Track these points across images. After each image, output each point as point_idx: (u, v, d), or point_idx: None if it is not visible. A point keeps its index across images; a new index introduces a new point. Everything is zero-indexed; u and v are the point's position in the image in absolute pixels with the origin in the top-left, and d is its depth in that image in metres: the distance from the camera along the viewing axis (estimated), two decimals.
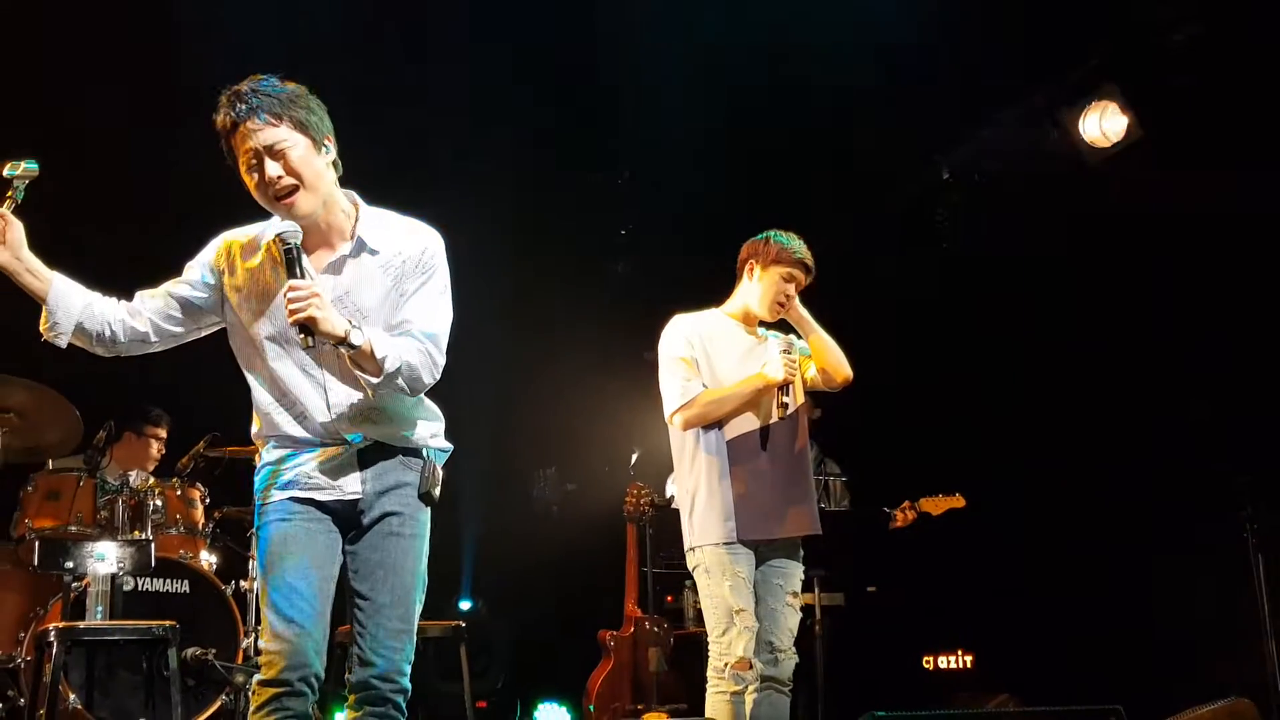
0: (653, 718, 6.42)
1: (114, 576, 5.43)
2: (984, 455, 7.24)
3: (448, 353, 3.20)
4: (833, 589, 6.40)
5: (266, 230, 3.17)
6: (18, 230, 3.00)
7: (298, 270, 2.99)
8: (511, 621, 8.74)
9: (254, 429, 3.27)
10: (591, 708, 6.85)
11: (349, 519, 3.16)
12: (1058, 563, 7.17)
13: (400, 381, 3.06)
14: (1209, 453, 6.20)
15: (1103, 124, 6.36)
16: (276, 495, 3.16)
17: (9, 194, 3.02)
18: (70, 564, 5.28)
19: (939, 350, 7.59)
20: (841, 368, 4.58)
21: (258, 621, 5.66)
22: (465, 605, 8.68)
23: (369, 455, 3.17)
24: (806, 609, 4.98)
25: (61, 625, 4.77)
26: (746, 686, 4.20)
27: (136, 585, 5.60)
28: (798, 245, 4.53)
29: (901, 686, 7.49)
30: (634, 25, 6.80)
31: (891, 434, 7.64)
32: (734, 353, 4.52)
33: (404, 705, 3.11)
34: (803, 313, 4.59)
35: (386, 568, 3.12)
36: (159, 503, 5.91)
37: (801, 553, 4.50)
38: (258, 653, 3.59)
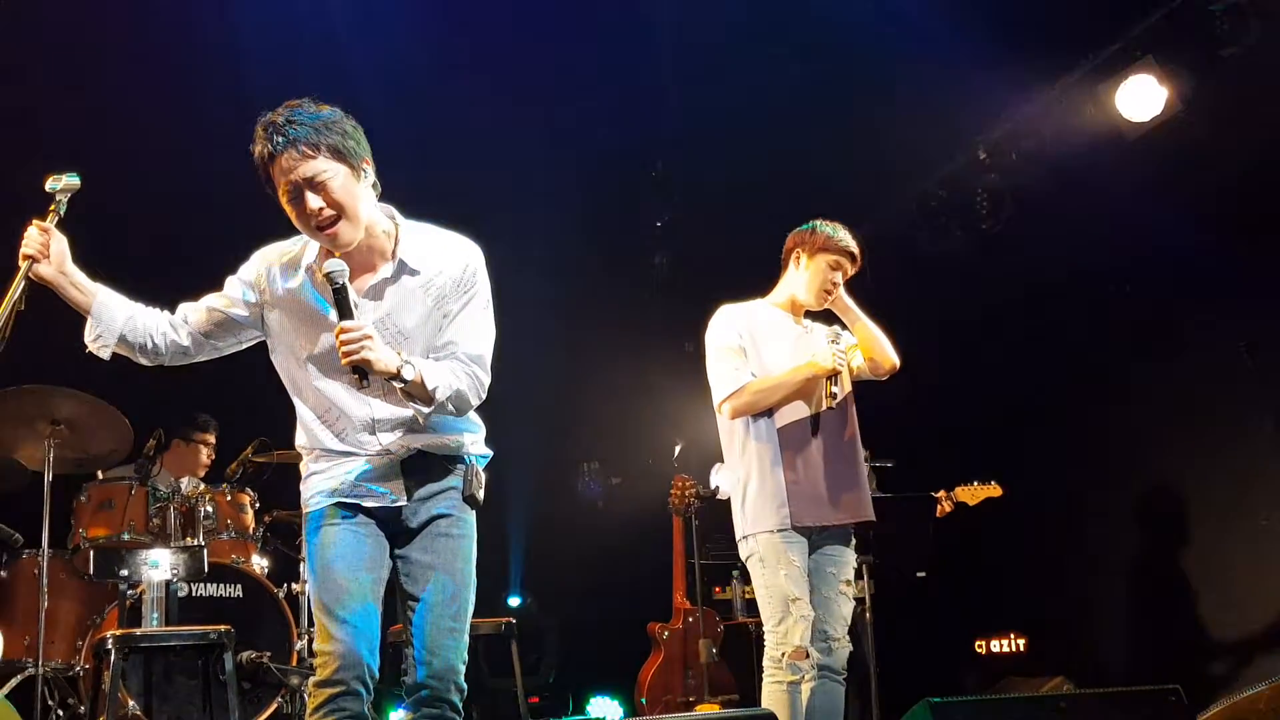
0: (705, 709, 6.43)
1: (168, 583, 5.48)
2: (1032, 435, 7.19)
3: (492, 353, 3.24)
4: (878, 576, 6.38)
5: (307, 251, 3.18)
6: (62, 244, 3.04)
7: (349, 310, 3.00)
8: (561, 616, 8.76)
9: (299, 440, 3.29)
10: (643, 700, 6.87)
11: (395, 525, 3.19)
12: (1109, 543, 7.11)
13: (450, 407, 3.12)
14: (1266, 422, 6.13)
15: (1140, 98, 6.27)
16: (324, 502, 3.18)
17: (51, 208, 3.05)
18: (125, 572, 5.32)
19: (979, 332, 7.54)
20: (889, 356, 4.57)
21: (311, 624, 5.71)
22: (514, 601, 8.71)
23: (412, 463, 3.20)
24: (858, 597, 4.97)
25: (119, 633, 4.81)
26: (803, 675, 4.19)
27: (190, 591, 5.64)
28: (844, 234, 4.53)
29: (954, 671, 7.46)
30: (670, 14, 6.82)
31: (931, 418, 7.59)
32: (782, 342, 4.51)
33: (460, 704, 3.13)
34: (848, 302, 4.58)
35: (437, 568, 3.15)
36: (210, 509, 5.96)
37: (854, 540, 4.49)
38: (312, 655, 3.64)
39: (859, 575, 5.01)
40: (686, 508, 7.04)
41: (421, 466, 3.20)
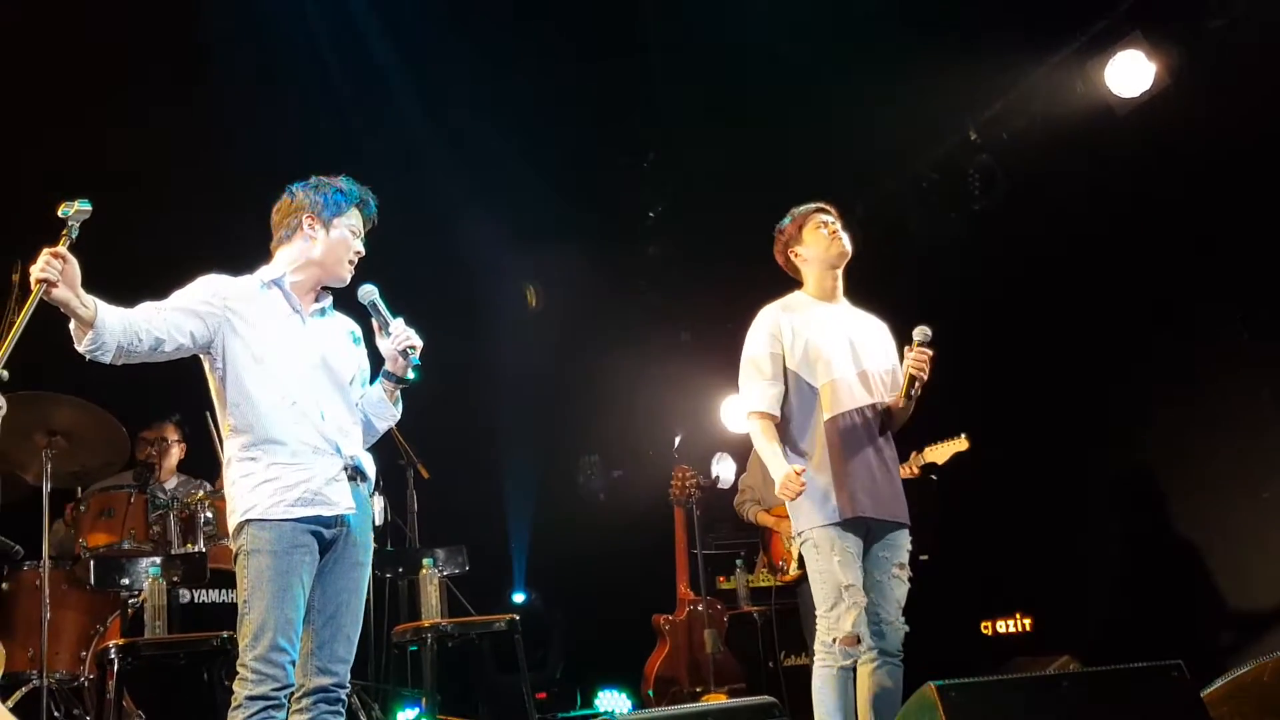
0: (712, 699, 6.43)
1: (170, 590, 5.48)
2: (1034, 414, 7.17)
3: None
4: None
5: (258, 279, 3.69)
6: (76, 268, 3.18)
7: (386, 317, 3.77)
8: (566, 611, 8.76)
9: (239, 442, 3.55)
10: (650, 692, 6.86)
11: (334, 537, 3.55)
12: (1112, 520, 7.10)
13: (393, 425, 3.94)
14: (1263, 393, 6.12)
15: (1129, 74, 6.25)
16: (286, 513, 3.47)
17: (64, 233, 3.19)
18: (126, 580, 5.34)
19: (974, 313, 7.50)
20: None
21: None
22: (519, 598, 8.70)
23: (353, 476, 3.64)
24: None
25: (122, 642, 4.82)
26: (854, 660, 4.21)
27: (192, 598, 5.66)
28: (800, 207, 4.66)
29: (960, 653, 7.44)
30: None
31: (931, 403, 7.55)
32: (822, 326, 4.53)
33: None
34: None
35: (351, 593, 3.61)
36: (209, 515, 5.97)
37: (908, 527, 4.51)
38: None
39: None
40: (687, 498, 7.04)
41: (357, 488, 3.64)
